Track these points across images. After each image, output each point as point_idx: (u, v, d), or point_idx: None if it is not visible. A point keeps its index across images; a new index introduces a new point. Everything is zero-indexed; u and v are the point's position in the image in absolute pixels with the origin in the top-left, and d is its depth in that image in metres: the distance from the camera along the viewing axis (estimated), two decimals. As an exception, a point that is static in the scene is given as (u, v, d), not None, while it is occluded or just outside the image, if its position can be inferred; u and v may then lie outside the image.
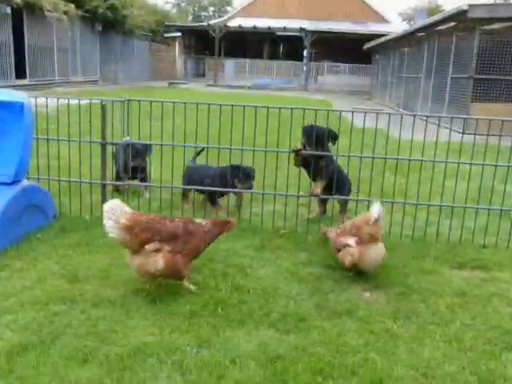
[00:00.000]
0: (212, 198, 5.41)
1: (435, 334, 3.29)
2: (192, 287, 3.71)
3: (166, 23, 39.08)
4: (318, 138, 5.12)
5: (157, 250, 3.54)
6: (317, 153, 5.13)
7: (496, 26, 14.83)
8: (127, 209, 3.60)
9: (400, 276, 4.13)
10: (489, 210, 5.05)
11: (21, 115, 4.39)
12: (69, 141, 5.16)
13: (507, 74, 14.17)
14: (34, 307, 3.43)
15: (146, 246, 3.52)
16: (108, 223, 3.50)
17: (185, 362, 2.89)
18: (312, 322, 3.39)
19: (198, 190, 5.46)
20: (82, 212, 5.21)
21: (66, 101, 5.31)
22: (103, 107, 4.87)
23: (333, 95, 29.58)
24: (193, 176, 5.50)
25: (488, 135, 4.92)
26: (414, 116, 5.10)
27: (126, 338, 3.11)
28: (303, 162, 5.28)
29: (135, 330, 3.21)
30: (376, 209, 3.95)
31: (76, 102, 5.16)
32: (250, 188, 5.29)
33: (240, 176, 5.20)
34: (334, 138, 5.33)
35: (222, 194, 5.48)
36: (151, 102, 4.98)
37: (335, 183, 5.11)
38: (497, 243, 4.91)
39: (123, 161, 5.59)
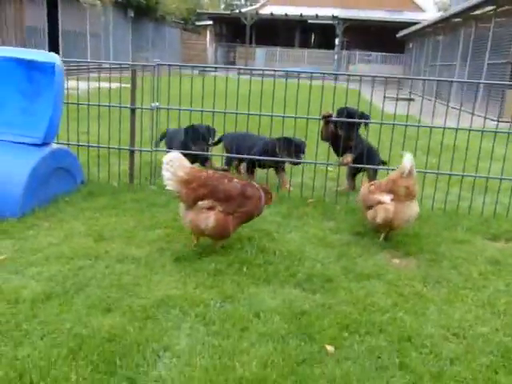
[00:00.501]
0: (250, 168, 5.36)
1: (467, 298, 3.17)
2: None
3: (198, 11, 39.12)
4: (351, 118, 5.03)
5: (210, 208, 3.49)
6: (345, 119, 4.99)
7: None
8: (186, 163, 3.56)
9: (431, 244, 4.01)
10: (526, 182, 4.86)
11: (52, 76, 4.39)
12: (99, 105, 5.15)
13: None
14: (59, 261, 3.44)
15: (200, 203, 3.48)
16: (166, 175, 3.47)
17: (208, 314, 2.86)
18: (339, 283, 3.30)
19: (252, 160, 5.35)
20: (109, 178, 5.23)
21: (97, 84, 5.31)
22: (133, 72, 4.86)
23: (364, 84, 29.06)
24: (240, 144, 5.42)
25: None
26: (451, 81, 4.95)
27: (149, 291, 3.09)
28: (332, 136, 5.15)
29: (159, 285, 3.18)
30: (408, 160, 3.82)
31: (107, 85, 5.16)
32: (299, 163, 5.22)
33: (291, 149, 5.11)
34: (366, 119, 5.20)
35: (264, 166, 5.40)
36: (180, 66, 4.93)
37: (365, 158, 5.00)
38: (534, 217, 4.72)
39: (183, 144, 5.27)
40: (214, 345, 2.59)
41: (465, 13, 17.21)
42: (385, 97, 4.87)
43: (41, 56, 4.47)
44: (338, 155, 5.20)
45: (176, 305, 2.94)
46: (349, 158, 5.05)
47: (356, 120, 5.01)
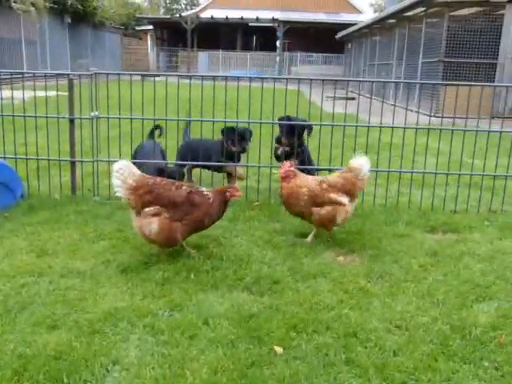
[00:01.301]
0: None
1: (408, 290, 3.31)
2: (192, 251, 3.74)
3: (138, 16, 38.59)
4: (294, 129, 5.14)
5: (155, 214, 3.53)
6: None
7: (465, 11, 15.03)
8: (136, 170, 3.62)
9: (373, 240, 4.14)
10: (459, 175, 5.11)
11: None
12: (36, 117, 5.02)
13: (475, 57, 14.36)
14: (0, 280, 3.33)
15: (146, 209, 3.53)
16: (115, 182, 3.54)
17: (156, 324, 2.85)
18: (286, 283, 3.37)
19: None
20: (51, 191, 5.10)
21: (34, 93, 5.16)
22: (70, 81, 4.76)
23: (306, 85, 29.56)
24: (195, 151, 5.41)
25: (454, 118, 4.98)
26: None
27: (96, 305, 3.04)
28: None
29: (105, 298, 3.14)
30: (366, 162, 3.97)
31: (43, 94, 5.01)
32: (244, 150, 5.25)
33: (234, 137, 5.18)
34: (310, 129, 5.33)
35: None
36: (119, 74, 4.87)
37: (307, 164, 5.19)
38: (467, 209, 4.97)
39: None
40: (163, 354, 2.58)
41: (398, 14, 17.82)
42: (331, 97, 5.01)
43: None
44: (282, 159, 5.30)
45: (124, 317, 2.91)
46: (292, 162, 5.14)
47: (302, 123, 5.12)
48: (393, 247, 4.02)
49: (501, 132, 5.14)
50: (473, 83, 5.21)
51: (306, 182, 4.02)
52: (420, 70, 15.92)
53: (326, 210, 3.92)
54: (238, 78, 4.91)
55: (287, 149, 5.18)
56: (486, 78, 14.44)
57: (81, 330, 2.78)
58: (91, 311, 2.97)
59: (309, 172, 5.28)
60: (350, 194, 3.95)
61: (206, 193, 3.69)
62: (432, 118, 6.08)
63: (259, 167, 5.23)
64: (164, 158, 5.17)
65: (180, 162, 5.29)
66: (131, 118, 4.95)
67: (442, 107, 5.22)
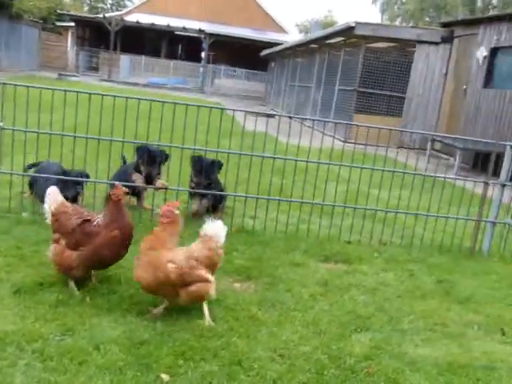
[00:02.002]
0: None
1: (295, 319, 3.53)
2: (76, 291, 3.53)
3: (59, 11, 37.23)
4: (206, 169, 5.39)
5: (55, 240, 3.62)
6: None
7: (380, 45, 16.03)
8: (59, 197, 3.75)
9: (270, 268, 4.36)
10: (354, 208, 5.50)
11: None
12: None
13: (386, 90, 15.34)
14: None
15: (53, 235, 3.66)
16: (45, 206, 3.74)
17: (46, 349, 2.86)
18: (181, 310, 3.47)
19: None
20: None
21: None
22: (-26, 89, 4.60)
23: (228, 99, 29.97)
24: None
25: (366, 144, 5.34)
26: (290, 117, 5.45)
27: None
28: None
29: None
30: (219, 227, 3.55)
31: None
32: (156, 173, 5.35)
33: (145, 157, 5.30)
34: (220, 167, 5.60)
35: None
36: (28, 87, 4.79)
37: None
38: (360, 240, 5.34)
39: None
40: (49, 381, 2.61)
41: (320, 40, 18.61)
42: (251, 114, 5.19)
43: None
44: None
45: (12, 341, 2.89)
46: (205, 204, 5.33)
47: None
48: (288, 276, 4.26)
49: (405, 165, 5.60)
50: (379, 126, 5.62)
51: (174, 256, 3.33)
52: (336, 97, 16.71)
53: (194, 288, 3.33)
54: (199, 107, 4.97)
55: (192, 185, 5.36)
56: (395, 110, 15.48)
57: (-35, 354, 2.74)
58: (-22, 334, 2.92)
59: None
60: (214, 266, 3.48)
61: (98, 220, 3.60)
62: (346, 144, 6.46)
63: (166, 189, 5.33)
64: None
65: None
66: (38, 132, 4.86)
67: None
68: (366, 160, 5.48)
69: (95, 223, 3.55)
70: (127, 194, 4.03)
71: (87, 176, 5.28)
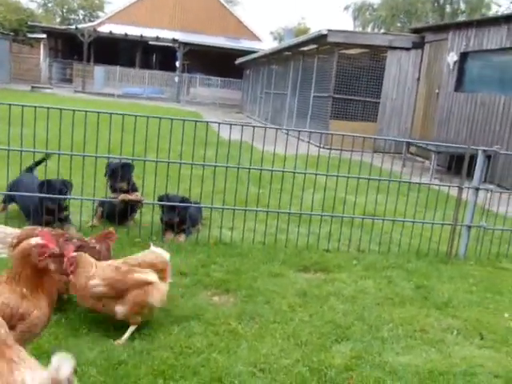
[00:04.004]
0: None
1: (275, 332, 3.51)
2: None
3: (30, 23, 36.78)
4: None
5: None
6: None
7: (353, 51, 16.21)
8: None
9: (248, 279, 4.34)
10: (332, 217, 5.52)
11: None
12: None
13: (361, 95, 15.49)
14: None
15: None
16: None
17: (20, 374, 2.77)
18: (159, 327, 3.43)
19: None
20: None
21: None
22: None
23: (204, 107, 29.95)
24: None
25: (341, 150, 5.37)
26: (276, 130, 5.45)
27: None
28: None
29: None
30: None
31: None
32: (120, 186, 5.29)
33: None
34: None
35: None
36: (-2, 104, 4.69)
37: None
38: (338, 247, 5.36)
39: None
40: (24, 408, 2.53)
41: (294, 48, 18.74)
42: (226, 123, 5.16)
43: None
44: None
45: (-16, 367, 2.80)
46: (183, 237, 5.25)
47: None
48: (266, 287, 4.23)
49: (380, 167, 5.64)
50: (354, 134, 5.66)
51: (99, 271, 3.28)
52: (311, 103, 16.82)
53: (133, 296, 3.25)
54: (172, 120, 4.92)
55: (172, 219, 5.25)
56: (370, 115, 15.63)
57: None
58: None
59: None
60: (161, 272, 3.41)
61: (92, 245, 3.66)
62: (321, 150, 6.49)
63: (142, 202, 5.27)
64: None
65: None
66: (8, 149, 4.77)
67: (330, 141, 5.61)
68: (342, 165, 5.50)
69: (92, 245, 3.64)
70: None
71: (71, 185, 5.18)
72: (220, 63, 34.87)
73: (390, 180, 5.65)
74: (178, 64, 34.01)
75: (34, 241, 2.65)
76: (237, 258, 4.76)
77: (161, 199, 5.28)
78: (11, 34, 34.22)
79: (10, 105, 4.72)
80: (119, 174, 5.28)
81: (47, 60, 36.04)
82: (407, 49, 14.96)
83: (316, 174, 5.38)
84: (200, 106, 30.25)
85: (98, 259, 3.51)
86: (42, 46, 37.24)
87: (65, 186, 5.08)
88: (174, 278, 4.18)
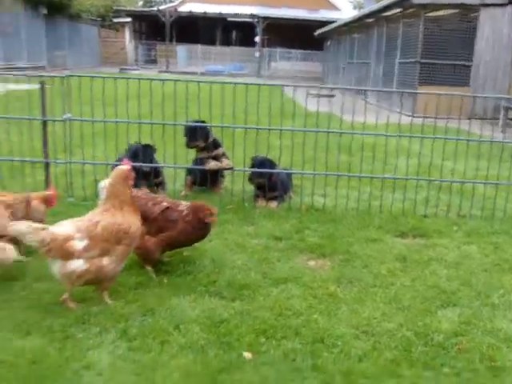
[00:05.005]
0: None
1: (376, 296, 3.40)
2: (153, 274, 3.54)
3: (115, 8, 38.11)
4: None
5: None
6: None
7: (440, 12, 15.27)
8: None
9: (344, 245, 4.24)
10: (429, 181, 5.25)
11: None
12: (7, 118, 4.99)
13: (451, 59, 14.61)
14: (-29, 287, 3.33)
15: None
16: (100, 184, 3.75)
17: (129, 329, 2.89)
18: (257, 288, 3.43)
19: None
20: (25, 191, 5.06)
21: (8, 86, 5.15)
22: (42, 84, 4.73)
23: (286, 81, 29.72)
24: None
25: (436, 118, 5.06)
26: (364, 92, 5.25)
27: (69, 309, 3.07)
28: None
29: (79, 302, 3.17)
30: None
31: (15, 87, 5.00)
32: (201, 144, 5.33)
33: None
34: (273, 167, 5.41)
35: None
36: (92, 77, 4.87)
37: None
38: (436, 213, 5.10)
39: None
40: (135, 360, 2.63)
41: (376, 14, 18.00)
42: (312, 95, 5.05)
43: None
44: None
45: (96, 322, 2.95)
46: (274, 203, 5.21)
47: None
48: (363, 252, 4.12)
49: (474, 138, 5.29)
50: (443, 92, 5.31)
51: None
52: (397, 70, 16.13)
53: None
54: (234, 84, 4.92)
55: (261, 181, 5.21)
56: (461, 80, 14.72)
57: (54, 335, 2.81)
58: (65, 316, 2.99)
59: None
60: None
61: (181, 208, 3.66)
62: (407, 118, 6.20)
63: (232, 169, 5.29)
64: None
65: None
66: (104, 121, 4.94)
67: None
68: (436, 133, 5.20)
69: (181, 209, 3.62)
70: None
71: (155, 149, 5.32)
72: (299, 36, 34.35)
73: (491, 141, 5.27)
74: (257, 39, 33.92)
75: (125, 166, 3.22)
76: (330, 224, 4.67)
77: (252, 161, 5.26)
78: (99, 19, 35.67)
79: (103, 78, 4.89)
80: (195, 133, 5.30)
81: (132, 42, 37.28)
82: (502, 5, 13.83)
83: (410, 137, 5.13)
84: (281, 80, 30.05)
85: (182, 227, 3.56)
86: (126, 30, 38.53)
87: (152, 151, 5.20)
88: (268, 242, 4.22)
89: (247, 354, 2.70)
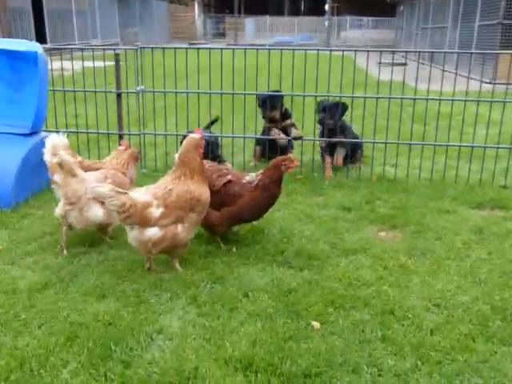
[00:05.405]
0: None
1: (450, 269, 3.28)
2: (222, 243, 3.60)
3: (185, -18, 38.38)
4: (333, 113, 5.15)
5: None
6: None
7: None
8: None
9: (417, 216, 4.10)
10: (510, 149, 4.94)
11: (35, 65, 4.40)
12: (85, 92, 5.18)
13: (538, 19, 13.54)
14: (54, 250, 3.53)
15: None
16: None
17: (199, 296, 2.96)
18: (326, 259, 3.40)
19: None
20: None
21: (84, 63, 5.33)
22: (117, 57, 4.86)
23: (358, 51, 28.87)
24: None
25: None
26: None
27: (142, 276, 3.18)
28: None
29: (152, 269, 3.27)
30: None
31: (91, 64, 5.17)
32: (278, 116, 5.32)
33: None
34: (344, 110, 5.33)
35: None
36: (164, 48, 4.93)
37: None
38: (518, 184, 4.81)
39: None
40: (204, 325, 2.69)
41: (454, -26, 16.97)
42: (384, 63, 4.89)
43: (22, 45, 4.47)
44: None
45: (168, 288, 3.04)
46: (340, 157, 5.12)
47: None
48: (436, 223, 3.96)
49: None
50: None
51: None
52: (476, 34, 15.19)
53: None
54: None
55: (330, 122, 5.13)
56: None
57: (127, 299, 2.93)
58: (137, 281, 3.11)
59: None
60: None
61: (246, 181, 3.56)
62: (487, 86, 5.84)
63: (302, 139, 5.22)
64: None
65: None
66: (176, 92, 5.02)
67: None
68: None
69: (246, 182, 3.54)
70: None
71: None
72: (370, 2, 33.12)
73: None
74: (327, 7, 33.08)
75: (197, 135, 3.25)
76: (402, 195, 4.52)
77: (320, 104, 5.20)
78: (168, -6, 36.11)
79: (175, 48, 4.94)
80: (272, 103, 5.26)
81: (201, 16, 37.51)
82: None
83: (491, 102, 4.82)
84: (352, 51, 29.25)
85: (249, 199, 3.50)
86: (196, 4, 38.77)
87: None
88: (337, 212, 4.16)
89: (315, 324, 2.69)
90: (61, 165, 3.35)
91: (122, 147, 3.95)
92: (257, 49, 4.89)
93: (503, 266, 3.31)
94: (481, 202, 4.42)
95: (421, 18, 22.68)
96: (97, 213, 3.43)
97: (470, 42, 15.63)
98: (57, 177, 3.43)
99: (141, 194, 3.11)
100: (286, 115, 5.41)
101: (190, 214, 3.13)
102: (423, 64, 5.00)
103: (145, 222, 3.05)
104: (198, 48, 5.00)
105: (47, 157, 3.54)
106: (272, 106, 5.30)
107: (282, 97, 5.40)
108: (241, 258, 3.41)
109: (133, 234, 3.11)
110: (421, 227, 3.89)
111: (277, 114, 5.34)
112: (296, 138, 5.34)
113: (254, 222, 3.85)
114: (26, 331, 2.64)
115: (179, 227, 3.12)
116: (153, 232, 3.07)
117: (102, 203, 3.29)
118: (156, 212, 3.06)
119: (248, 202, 3.49)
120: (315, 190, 4.69)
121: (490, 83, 5.66)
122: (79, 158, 3.81)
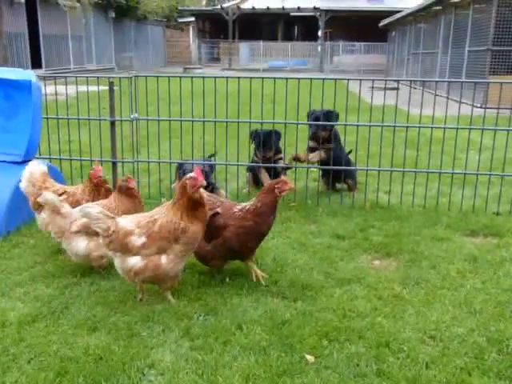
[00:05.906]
0: None
1: (444, 299, 3.25)
2: (216, 274, 3.61)
3: (180, 8, 38.91)
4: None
5: None
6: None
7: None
8: None
9: (411, 244, 4.09)
10: (502, 176, 4.97)
11: (29, 93, 4.41)
12: (78, 119, 5.18)
13: (526, 45, 13.79)
14: (45, 281, 3.49)
15: None
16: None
17: (192, 328, 2.92)
18: (320, 289, 3.37)
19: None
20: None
21: (79, 88, 5.35)
22: (111, 85, 4.88)
23: (349, 75, 29.21)
24: None
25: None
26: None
27: (134, 307, 3.14)
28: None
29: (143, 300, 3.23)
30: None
31: (86, 89, 5.20)
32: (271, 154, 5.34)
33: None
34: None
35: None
36: (158, 77, 4.96)
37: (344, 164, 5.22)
38: (510, 210, 4.82)
39: None
40: (197, 360, 2.65)
41: (444, 1, 17.28)
42: (376, 88, 4.93)
43: (16, 74, 4.49)
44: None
45: (160, 320, 3.00)
46: (317, 155, 5.15)
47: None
48: (431, 251, 3.95)
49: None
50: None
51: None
52: (466, 59, 15.43)
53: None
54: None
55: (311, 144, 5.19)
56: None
57: (119, 332, 2.88)
58: (129, 313, 3.07)
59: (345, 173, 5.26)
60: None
61: (235, 210, 3.43)
62: (478, 110, 5.90)
63: (296, 168, 5.24)
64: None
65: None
66: (169, 120, 5.03)
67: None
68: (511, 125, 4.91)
69: (234, 211, 3.41)
70: None
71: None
72: (363, 27, 33.64)
73: None
74: (320, 33, 33.56)
75: (189, 176, 3.14)
76: (396, 222, 4.52)
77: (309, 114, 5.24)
78: (164, 20, 36.54)
79: (169, 77, 4.97)
80: (267, 142, 5.30)
81: (196, 41, 37.93)
82: None
83: (483, 129, 4.86)
84: (344, 75, 29.58)
85: (236, 229, 3.37)
86: (190, 29, 39.26)
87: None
88: (331, 240, 4.14)
89: (309, 357, 2.65)
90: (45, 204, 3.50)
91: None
92: (250, 77, 4.91)
93: (498, 295, 3.29)
94: (474, 229, 4.42)
95: (412, 43, 23.04)
96: (79, 245, 3.46)
97: (460, 66, 15.87)
98: (43, 214, 3.63)
99: (126, 221, 3.10)
100: (277, 151, 5.49)
101: (174, 245, 3.07)
102: (415, 88, 5.06)
103: (126, 250, 3.04)
104: (192, 76, 5.01)
105: (23, 184, 3.65)
106: (270, 144, 5.33)
107: (280, 135, 5.45)
108: (234, 288, 3.38)
109: (116, 262, 3.12)
110: (415, 255, 3.88)
111: (271, 154, 5.38)
112: (287, 168, 5.37)
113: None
114: (15, 366, 2.59)
115: (163, 258, 3.07)
116: (135, 261, 3.05)
117: (88, 235, 3.34)
118: (138, 241, 3.04)
119: (235, 231, 3.35)
120: (309, 217, 4.68)
121: (481, 107, 5.69)
122: (48, 183, 3.93)
